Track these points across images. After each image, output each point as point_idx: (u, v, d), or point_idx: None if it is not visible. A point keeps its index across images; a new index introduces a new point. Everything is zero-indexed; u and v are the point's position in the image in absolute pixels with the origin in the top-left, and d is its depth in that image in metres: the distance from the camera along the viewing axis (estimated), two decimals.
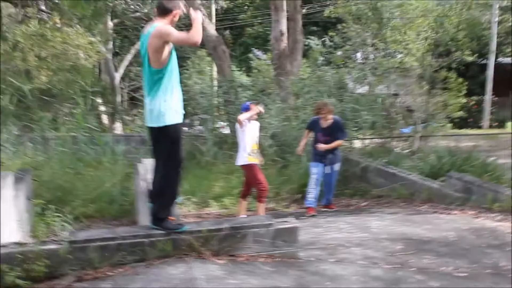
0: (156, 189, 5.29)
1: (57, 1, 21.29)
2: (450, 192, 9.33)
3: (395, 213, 8.89)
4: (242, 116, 8.48)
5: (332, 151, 9.45)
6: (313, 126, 9.60)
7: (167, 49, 5.02)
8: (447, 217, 8.23)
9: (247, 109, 8.59)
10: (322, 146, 9.32)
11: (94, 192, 9.83)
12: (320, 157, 9.37)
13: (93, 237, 5.09)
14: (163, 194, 5.24)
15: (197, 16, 5.15)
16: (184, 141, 5.34)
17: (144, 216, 6.95)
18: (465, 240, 6.79)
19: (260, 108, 8.68)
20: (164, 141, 5.17)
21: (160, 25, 5.05)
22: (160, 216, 5.21)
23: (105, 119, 23.53)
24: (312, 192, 9.21)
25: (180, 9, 5.24)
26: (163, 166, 5.20)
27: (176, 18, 5.23)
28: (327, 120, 9.37)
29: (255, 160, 8.59)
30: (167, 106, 5.08)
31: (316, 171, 9.32)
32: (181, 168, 5.26)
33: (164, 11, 5.16)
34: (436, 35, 14.96)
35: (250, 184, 8.74)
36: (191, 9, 5.43)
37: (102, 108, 22.17)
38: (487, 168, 10.54)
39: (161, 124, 5.10)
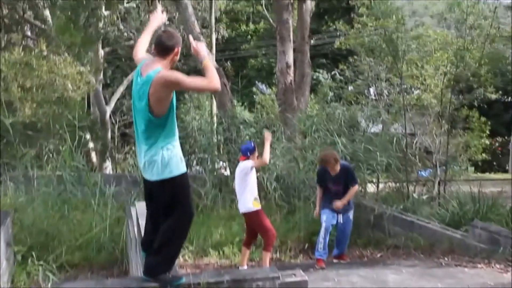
0: (160, 242, 5.14)
1: (44, 26, 21.58)
2: (474, 243, 9.28)
3: (413, 265, 8.85)
4: (267, 155, 8.60)
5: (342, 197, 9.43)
6: (323, 177, 9.55)
7: (171, 95, 4.85)
8: (471, 271, 8.18)
9: (252, 149, 8.64)
10: (338, 204, 9.30)
11: (81, 238, 9.77)
12: (332, 204, 9.31)
13: None
14: (168, 248, 5.09)
15: (204, 51, 5.02)
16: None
17: (136, 266, 6.90)
18: None
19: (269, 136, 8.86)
20: (171, 194, 4.98)
21: (163, 70, 4.79)
22: (160, 270, 5.10)
23: (94, 157, 23.60)
24: (323, 242, 9.14)
25: (181, 45, 5.05)
26: (170, 219, 5.02)
27: (178, 57, 5.04)
28: (336, 168, 9.36)
29: (259, 205, 8.62)
30: (171, 154, 4.90)
31: (327, 219, 9.26)
32: (191, 221, 5.17)
33: (165, 51, 4.93)
34: (456, 70, 15.03)
35: (255, 232, 8.73)
36: (191, 39, 5.32)
37: (91, 144, 22.25)
38: None
39: (167, 176, 4.89)
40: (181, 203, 5.03)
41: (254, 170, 8.65)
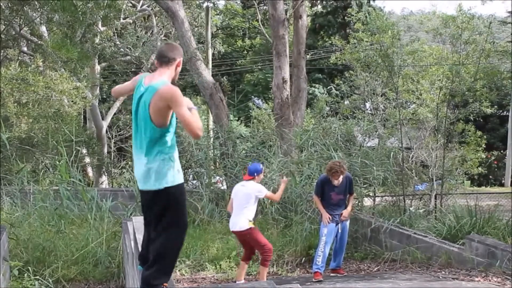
0: (155, 254, 5.12)
1: (40, 42, 21.62)
2: (471, 256, 9.28)
3: (410, 279, 8.84)
4: (280, 194, 9.03)
5: (343, 207, 9.49)
6: (324, 187, 9.46)
7: (169, 110, 4.85)
8: (468, 285, 8.17)
9: (259, 171, 8.66)
10: (346, 214, 9.54)
11: (78, 253, 9.76)
12: (331, 216, 9.30)
13: None
14: (163, 259, 5.06)
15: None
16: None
17: (133, 280, 6.89)
18: None
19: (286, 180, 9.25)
20: (167, 204, 5.00)
21: (168, 85, 4.83)
22: (156, 283, 5.08)
23: (90, 171, 23.58)
24: (321, 256, 9.13)
25: (182, 57, 5.15)
26: (166, 231, 5.03)
27: (180, 68, 5.12)
28: (340, 178, 9.33)
29: (252, 223, 8.58)
30: (169, 165, 4.94)
31: (328, 232, 9.25)
32: (185, 232, 5.17)
33: (167, 61, 5.01)
34: (451, 85, 15.08)
35: (253, 248, 8.69)
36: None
37: (88, 159, 22.24)
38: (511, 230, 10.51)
39: (163, 186, 4.93)
40: (177, 214, 5.05)
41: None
